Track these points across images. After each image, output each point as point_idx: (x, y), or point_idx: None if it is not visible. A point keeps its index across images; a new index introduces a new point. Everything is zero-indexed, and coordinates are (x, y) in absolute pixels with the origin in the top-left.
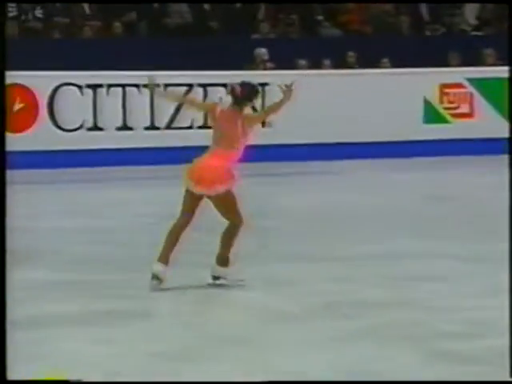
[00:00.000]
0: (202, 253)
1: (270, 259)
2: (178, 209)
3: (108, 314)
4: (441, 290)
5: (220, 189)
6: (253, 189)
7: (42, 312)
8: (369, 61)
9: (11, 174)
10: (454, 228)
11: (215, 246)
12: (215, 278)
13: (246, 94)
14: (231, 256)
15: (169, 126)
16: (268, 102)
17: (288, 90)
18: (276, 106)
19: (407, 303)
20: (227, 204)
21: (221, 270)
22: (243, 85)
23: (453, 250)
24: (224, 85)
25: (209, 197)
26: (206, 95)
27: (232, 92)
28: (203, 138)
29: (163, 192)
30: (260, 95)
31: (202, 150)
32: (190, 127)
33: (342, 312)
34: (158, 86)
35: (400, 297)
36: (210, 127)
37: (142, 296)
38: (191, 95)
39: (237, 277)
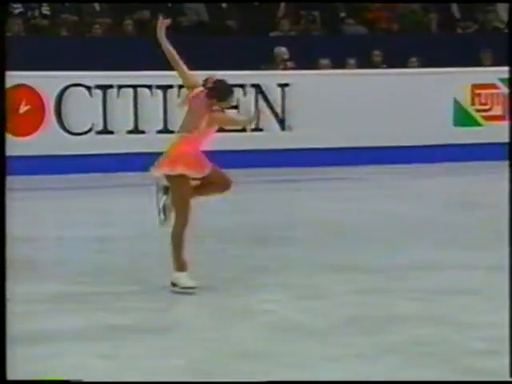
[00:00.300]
0: (222, 265)
1: (292, 270)
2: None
3: (116, 328)
4: (471, 304)
5: (168, 171)
6: (272, 196)
7: (46, 326)
8: (396, 60)
9: (16, 180)
10: (484, 237)
11: (237, 258)
12: (172, 284)
13: (216, 88)
14: (182, 260)
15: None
16: (288, 104)
17: (255, 114)
18: (238, 122)
19: (434, 317)
20: (172, 191)
21: (174, 276)
22: (219, 80)
23: (483, 260)
24: (242, 86)
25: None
26: None
27: (205, 82)
28: (219, 142)
29: None
30: (229, 99)
31: (219, 155)
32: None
33: (367, 326)
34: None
35: (427, 311)
36: (225, 131)
37: (153, 309)
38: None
39: (187, 284)
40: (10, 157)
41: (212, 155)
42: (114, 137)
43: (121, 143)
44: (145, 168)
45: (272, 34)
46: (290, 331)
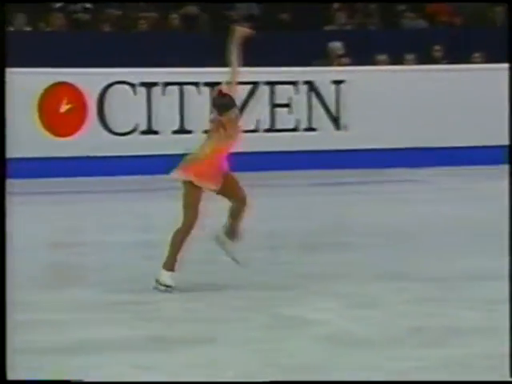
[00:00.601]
0: (273, 272)
1: (346, 278)
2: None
3: (159, 338)
4: None
5: (182, 175)
6: (327, 199)
7: (85, 336)
8: (458, 55)
9: (56, 183)
10: None
11: (288, 264)
12: (156, 280)
13: (214, 104)
14: (174, 261)
15: None
16: (343, 102)
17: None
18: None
19: (500, 329)
20: (183, 195)
21: (160, 272)
22: (216, 96)
23: None
24: (293, 83)
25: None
26: (273, 94)
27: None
28: (269, 143)
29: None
30: (230, 111)
31: (268, 156)
32: (256, 130)
33: (428, 338)
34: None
35: (490, 322)
36: (280, 130)
37: (199, 318)
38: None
39: (166, 282)
40: (50, 158)
41: (262, 157)
42: (159, 137)
43: (166, 144)
44: None
45: (326, 28)
46: (345, 342)
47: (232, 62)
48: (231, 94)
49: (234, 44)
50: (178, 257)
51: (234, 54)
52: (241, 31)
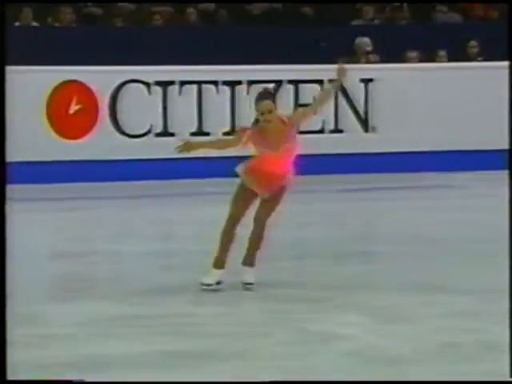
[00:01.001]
0: (298, 283)
1: (379, 290)
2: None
3: (175, 354)
4: None
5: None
6: (354, 205)
7: (96, 351)
8: (495, 52)
9: (67, 188)
10: None
11: (314, 275)
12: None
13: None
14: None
15: None
16: (372, 102)
17: (341, 68)
18: (326, 94)
19: None
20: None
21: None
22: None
23: None
24: (320, 81)
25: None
26: (297, 93)
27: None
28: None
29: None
30: (257, 105)
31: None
32: None
33: (462, 354)
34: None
35: None
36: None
37: (219, 333)
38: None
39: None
40: (59, 162)
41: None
42: (176, 139)
43: None
44: (209, 174)
45: (353, 23)
46: (374, 359)
47: (323, 99)
48: (298, 120)
49: (335, 86)
50: (223, 254)
51: (331, 94)
52: (343, 71)
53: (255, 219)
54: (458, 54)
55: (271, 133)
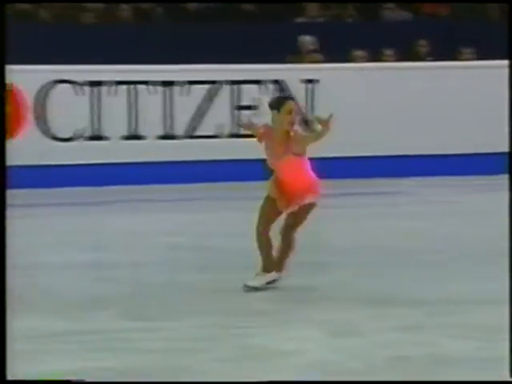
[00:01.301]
0: (244, 297)
1: (326, 302)
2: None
3: (111, 372)
4: None
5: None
6: None
7: (25, 372)
8: (446, 51)
9: None
10: None
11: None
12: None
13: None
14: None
15: (189, 135)
16: (317, 103)
17: (325, 122)
18: (314, 138)
19: (494, 360)
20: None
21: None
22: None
23: None
24: (259, 82)
25: None
26: (235, 95)
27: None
28: (232, 150)
29: (180, 218)
30: (285, 104)
31: (231, 164)
32: (217, 136)
33: (413, 368)
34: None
35: (482, 352)
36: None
37: (156, 349)
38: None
39: (250, 283)
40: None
41: (224, 166)
42: (107, 144)
43: (114, 151)
44: (143, 180)
45: (297, 21)
46: (323, 374)
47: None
48: (300, 139)
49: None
50: (265, 259)
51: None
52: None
53: (281, 233)
54: (406, 54)
55: (276, 137)
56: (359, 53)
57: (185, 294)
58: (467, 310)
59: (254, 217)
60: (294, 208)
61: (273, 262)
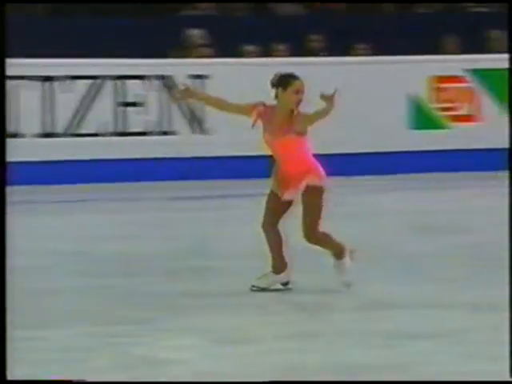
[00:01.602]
0: (125, 304)
1: (210, 309)
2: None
3: None
4: (441, 351)
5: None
6: (187, 215)
7: None
8: (339, 46)
9: None
10: (460, 268)
11: (143, 295)
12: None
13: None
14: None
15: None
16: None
17: (329, 98)
18: (319, 116)
19: (395, 366)
20: None
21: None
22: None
23: (458, 297)
24: (144, 77)
25: None
26: (118, 90)
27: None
28: (115, 149)
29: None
30: (292, 83)
31: (116, 164)
32: (98, 134)
33: (310, 377)
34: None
35: (385, 359)
36: (129, 134)
37: (32, 360)
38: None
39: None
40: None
41: (105, 166)
42: None
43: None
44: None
45: (183, 13)
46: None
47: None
48: (307, 119)
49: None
50: (275, 259)
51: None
52: (331, 101)
53: (309, 242)
54: (299, 49)
55: (278, 115)
56: (250, 48)
57: (69, 299)
58: (370, 315)
59: (130, 218)
60: (295, 195)
61: (283, 263)
